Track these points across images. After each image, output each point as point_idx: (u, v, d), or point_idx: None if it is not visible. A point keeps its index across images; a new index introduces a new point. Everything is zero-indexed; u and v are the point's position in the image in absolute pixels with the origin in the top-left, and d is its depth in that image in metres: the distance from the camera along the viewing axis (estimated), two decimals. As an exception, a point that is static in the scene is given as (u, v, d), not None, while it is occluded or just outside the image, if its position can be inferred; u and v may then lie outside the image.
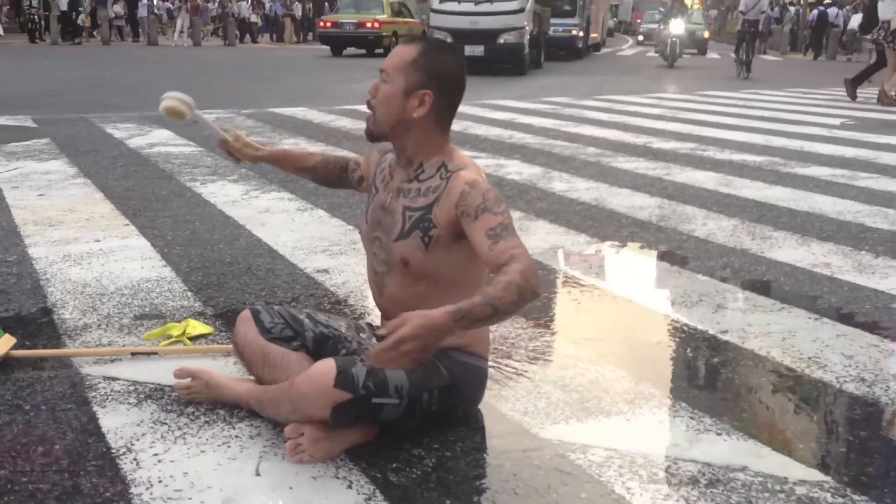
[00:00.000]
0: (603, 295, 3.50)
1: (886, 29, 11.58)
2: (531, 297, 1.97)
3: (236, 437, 2.25)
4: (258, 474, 2.07)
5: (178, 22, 30.45)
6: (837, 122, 9.76)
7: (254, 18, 34.43)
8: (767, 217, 4.78)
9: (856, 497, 1.99)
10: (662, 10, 44.58)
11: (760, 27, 18.20)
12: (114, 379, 2.59)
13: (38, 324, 3.04)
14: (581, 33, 24.06)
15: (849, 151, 7.39)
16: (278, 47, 30.74)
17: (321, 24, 25.02)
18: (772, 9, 27.66)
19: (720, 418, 2.38)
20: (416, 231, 2.21)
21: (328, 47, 24.53)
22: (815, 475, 2.09)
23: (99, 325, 3.03)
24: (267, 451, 2.17)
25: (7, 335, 2.74)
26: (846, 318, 3.20)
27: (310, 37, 35.98)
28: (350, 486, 2.02)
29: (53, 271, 3.64)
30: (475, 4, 16.54)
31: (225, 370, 2.63)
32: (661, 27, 23.44)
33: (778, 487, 2.03)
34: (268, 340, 2.40)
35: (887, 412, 2.46)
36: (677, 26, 20.67)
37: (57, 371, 2.63)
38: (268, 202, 5.02)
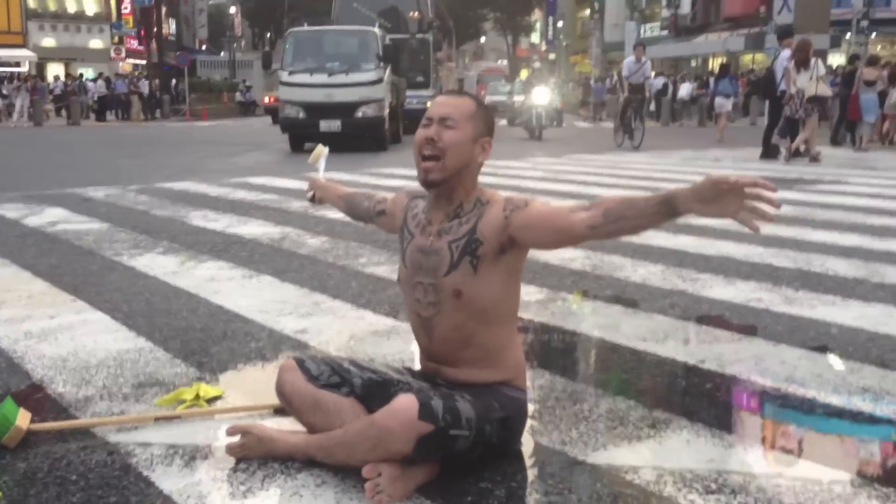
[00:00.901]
0: (583, 338, 3.72)
1: (802, 97, 12.41)
2: None
3: (303, 486, 2.29)
4: (344, 517, 2.12)
5: (18, 102, 29.22)
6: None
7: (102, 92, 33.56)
8: (686, 262, 5.18)
9: (880, 490, 2.26)
10: (505, 81, 46.13)
11: (647, 93, 17.08)
12: (148, 444, 2.56)
13: (35, 399, 2.95)
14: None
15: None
16: (127, 125, 29.99)
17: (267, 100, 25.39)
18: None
19: (739, 435, 2.62)
20: (466, 257, 2.36)
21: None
22: (844, 476, 2.35)
23: (101, 397, 2.97)
24: (340, 496, 2.23)
25: (23, 409, 2.66)
26: (800, 344, 3.55)
27: (157, 114, 35.36)
28: (435, 522, 2.10)
29: (23, 348, 3.52)
30: (329, 76, 15.26)
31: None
32: (521, 98, 22.23)
33: (818, 488, 2.26)
34: (318, 388, 2.47)
35: (872, 418, 2.78)
36: (541, 96, 19.71)
37: (84, 442, 2.58)
38: (209, 272, 4.99)
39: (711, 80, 25.25)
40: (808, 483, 2.29)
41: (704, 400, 2.96)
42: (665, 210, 2.08)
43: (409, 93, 20.91)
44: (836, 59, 32.38)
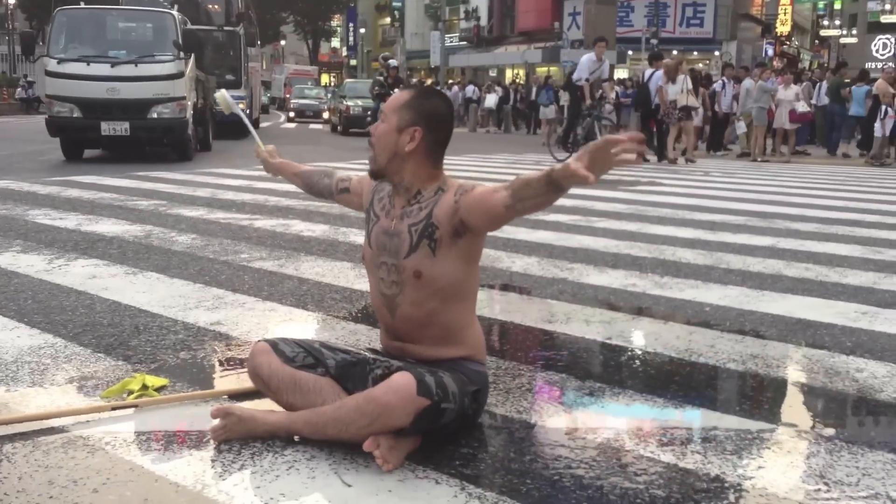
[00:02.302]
0: (496, 322, 3.94)
1: (675, 107, 14.44)
2: None
3: (295, 461, 2.36)
4: (349, 485, 2.22)
5: None
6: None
7: None
8: (556, 254, 5.54)
9: (803, 435, 2.64)
10: (312, 83, 45.35)
11: (608, 97, 16.03)
12: (117, 433, 2.53)
13: (-36, 397, 2.79)
14: (247, 108, 20.49)
15: (567, 203, 8.56)
16: None
17: None
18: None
19: (666, 398, 2.94)
20: (424, 240, 2.50)
21: None
22: (767, 425, 2.72)
23: (37, 393, 2.86)
24: (336, 466, 2.32)
25: (-29, 404, 2.53)
26: (684, 321, 3.96)
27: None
28: (438, 483, 2.25)
29: (-81, 348, 3.29)
30: (112, 67, 12.18)
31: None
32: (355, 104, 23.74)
33: (751, 436, 2.61)
34: (295, 369, 2.54)
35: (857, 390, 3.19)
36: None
37: (49, 436, 2.49)
38: (86, 269, 4.80)
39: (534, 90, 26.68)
40: (740, 432, 2.63)
41: (625, 370, 3.27)
42: (549, 182, 2.21)
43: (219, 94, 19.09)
44: (621, 74, 34.80)
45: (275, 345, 2.60)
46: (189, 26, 13.01)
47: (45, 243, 5.57)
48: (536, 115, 26.20)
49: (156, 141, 13.02)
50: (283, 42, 73.25)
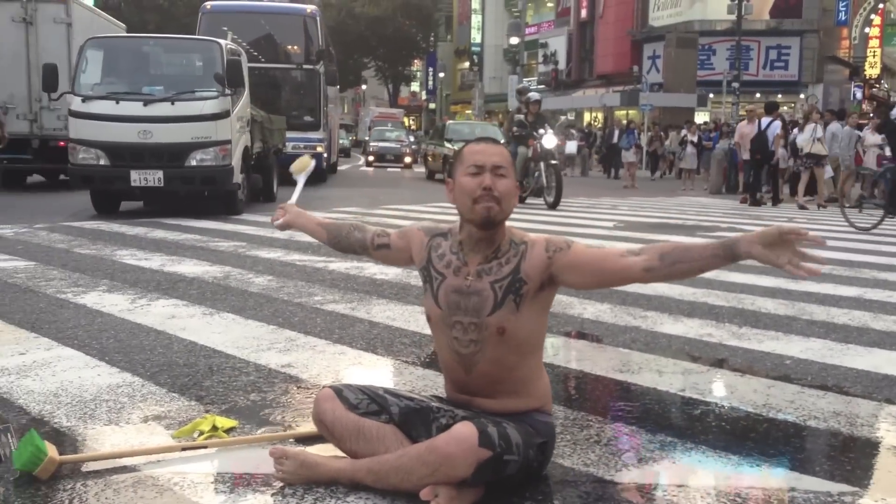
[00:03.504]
0: (566, 371, 3.89)
1: (803, 155, 15.35)
2: None
3: (358, 509, 2.35)
4: (410, 535, 2.20)
5: None
6: (611, 224, 11.01)
7: None
8: (629, 301, 5.45)
9: (885, 499, 2.52)
10: (392, 125, 44.94)
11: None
12: (185, 474, 2.56)
13: (45, 433, 2.87)
14: (325, 152, 19.60)
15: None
16: None
17: None
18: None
19: (741, 455, 2.84)
20: (510, 296, 2.47)
21: None
22: (845, 487, 2.60)
23: (113, 431, 2.93)
24: (397, 517, 2.30)
25: (48, 443, 2.60)
26: (763, 374, 3.84)
27: None
28: (499, 536, 2.21)
29: (5, 384, 3.41)
30: (145, 105, 10.29)
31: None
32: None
33: (829, 500, 2.50)
34: (359, 416, 2.54)
35: (850, 432, 3.06)
36: (550, 142, 14.06)
37: (119, 474, 2.55)
38: (166, 309, 4.92)
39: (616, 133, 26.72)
40: (820, 495, 2.52)
41: (699, 424, 3.17)
42: (724, 253, 2.31)
43: (292, 135, 17.10)
44: (703, 117, 34.42)
45: (339, 391, 2.60)
46: (236, 57, 11.05)
47: (129, 283, 5.75)
48: (618, 159, 26.03)
49: (194, 192, 11.14)
50: (363, 86, 74.79)
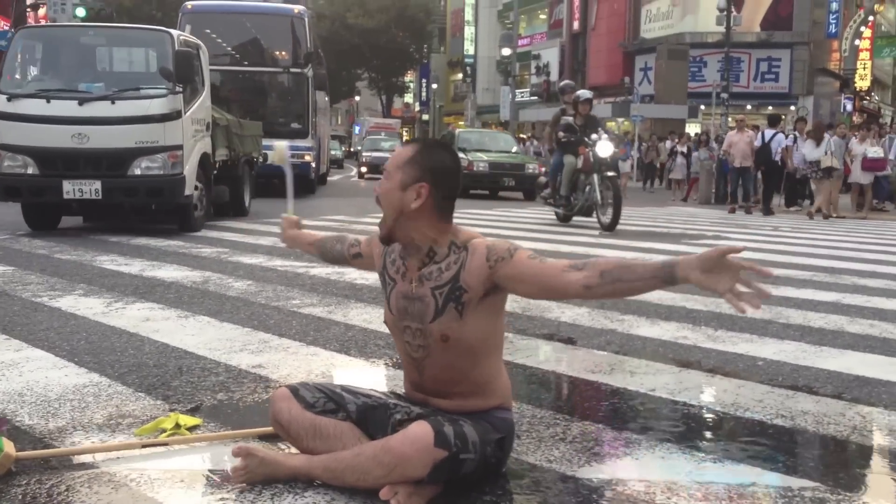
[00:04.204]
0: (536, 371, 3.88)
1: (818, 167, 15.37)
2: None
3: (316, 503, 2.34)
4: (366, 531, 2.18)
5: None
6: (596, 233, 10.99)
7: None
8: (607, 305, 5.44)
9: (845, 494, 2.51)
10: (386, 134, 44.43)
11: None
12: (144, 470, 2.54)
13: (3, 431, 2.85)
14: (314, 161, 18.09)
15: (628, 255, 8.47)
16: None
17: None
18: None
19: (706, 452, 2.84)
20: (450, 304, 2.41)
21: None
22: (808, 483, 2.59)
23: (74, 428, 2.91)
24: (355, 512, 2.29)
25: (6, 440, 2.58)
26: (734, 375, 3.84)
27: None
28: (456, 531, 2.20)
29: (-30, 384, 3.39)
30: (80, 105, 8.81)
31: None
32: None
33: (789, 495, 2.49)
34: (315, 415, 2.53)
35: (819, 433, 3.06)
36: (605, 150, 11.24)
37: (76, 470, 2.53)
38: (141, 312, 4.91)
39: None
40: (781, 489, 2.51)
41: (665, 422, 3.17)
42: (663, 276, 2.16)
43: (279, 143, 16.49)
44: (694, 128, 34.52)
45: (295, 391, 2.58)
46: (188, 49, 9.57)
47: (107, 287, 5.73)
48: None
49: (141, 209, 9.77)
50: (357, 98, 74.92)
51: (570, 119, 11.70)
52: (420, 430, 2.29)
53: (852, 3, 42.56)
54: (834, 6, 37.87)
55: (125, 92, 9.08)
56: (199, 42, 10.61)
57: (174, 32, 9.64)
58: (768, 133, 16.86)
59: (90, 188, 8.75)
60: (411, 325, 2.50)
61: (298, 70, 16.97)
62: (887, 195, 18.66)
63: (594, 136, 11.25)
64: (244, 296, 5.53)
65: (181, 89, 9.13)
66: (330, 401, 2.56)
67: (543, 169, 16.63)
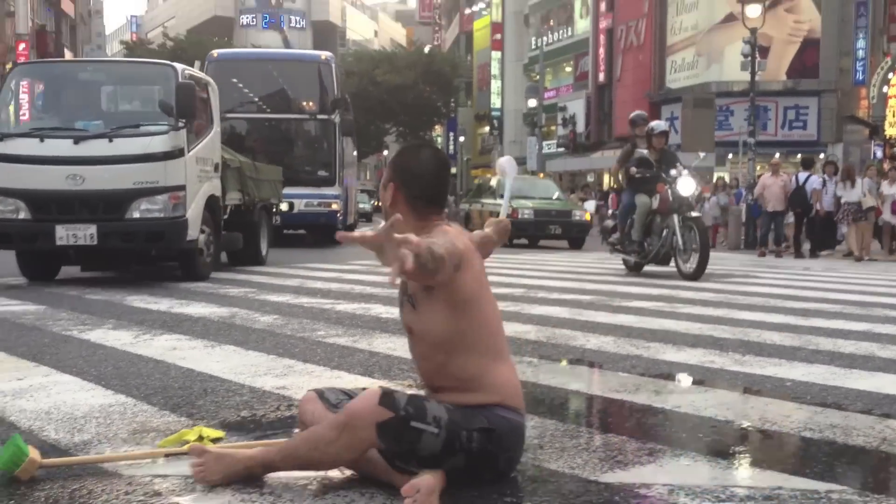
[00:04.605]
0: (559, 390, 3.86)
1: (859, 209, 15.36)
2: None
3: (335, 506, 2.33)
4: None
5: None
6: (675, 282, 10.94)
7: None
8: (633, 334, 5.42)
9: (874, 497, 2.46)
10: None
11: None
12: (165, 476, 2.56)
13: (32, 443, 2.87)
14: (341, 210, 17.27)
15: (654, 291, 8.39)
16: None
17: None
18: None
19: (731, 460, 2.80)
20: (405, 297, 2.55)
21: None
22: (835, 486, 2.55)
23: (99, 441, 2.94)
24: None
25: (31, 447, 2.61)
26: (761, 394, 3.79)
27: None
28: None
29: (-1, 404, 3.44)
30: (75, 143, 8.24)
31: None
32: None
33: (815, 497, 2.45)
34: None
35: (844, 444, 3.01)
36: (687, 187, 9.97)
37: (98, 476, 2.55)
38: (168, 342, 4.96)
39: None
40: (808, 492, 2.47)
41: (690, 434, 3.13)
42: None
43: (304, 191, 15.70)
44: (723, 176, 34.41)
45: (321, 393, 2.65)
46: (190, 82, 8.73)
47: (135, 322, 5.80)
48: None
49: (142, 257, 9.20)
50: (385, 152, 75.73)
51: (645, 152, 10.35)
52: (370, 390, 2.40)
53: (879, 50, 42.50)
54: (860, 53, 37.91)
55: (123, 129, 8.47)
56: (208, 79, 10.11)
57: (178, 66, 8.98)
58: (802, 176, 16.90)
59: (85, 233, 8.09)
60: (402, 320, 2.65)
61: (325, 116, 16.57)
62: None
63: (673, 171, 9.92)
64: (270, 328, 5.57)
65: (183, 125, 8.43)
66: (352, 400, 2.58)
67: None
